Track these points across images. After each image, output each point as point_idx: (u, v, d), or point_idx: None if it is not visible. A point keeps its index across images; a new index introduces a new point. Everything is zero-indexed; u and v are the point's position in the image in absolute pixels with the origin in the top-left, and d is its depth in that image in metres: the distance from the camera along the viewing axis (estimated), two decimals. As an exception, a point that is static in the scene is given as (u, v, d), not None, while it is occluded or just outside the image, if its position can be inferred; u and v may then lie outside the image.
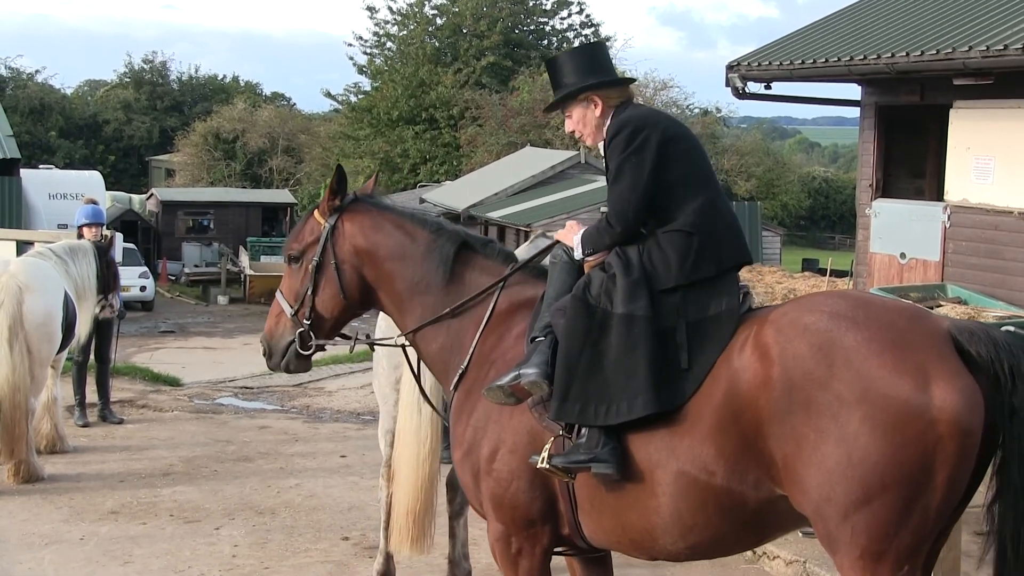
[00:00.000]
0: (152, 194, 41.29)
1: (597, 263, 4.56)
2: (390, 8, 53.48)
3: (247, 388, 15.50)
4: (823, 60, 12.52)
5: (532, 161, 38.34)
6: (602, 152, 4.69)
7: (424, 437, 6.45)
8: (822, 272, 27.92)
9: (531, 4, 52.81)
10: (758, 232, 33.78)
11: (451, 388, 4.87)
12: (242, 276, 36.87)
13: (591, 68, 4.70)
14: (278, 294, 5.17)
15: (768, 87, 13.90)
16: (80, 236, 11.12)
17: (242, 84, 72.87)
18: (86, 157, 60.92)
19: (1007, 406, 3.95)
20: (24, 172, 36.08)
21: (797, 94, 15.28)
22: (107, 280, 10.50)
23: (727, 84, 13.79)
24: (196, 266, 41.53)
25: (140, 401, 12.97)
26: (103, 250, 10.49)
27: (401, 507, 6.59)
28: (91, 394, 11.58)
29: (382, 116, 49.23)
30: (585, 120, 4.71)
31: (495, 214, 31.39)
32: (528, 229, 27.17)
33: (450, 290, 4.92)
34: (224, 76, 73.81)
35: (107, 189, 40.01)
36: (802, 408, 3.97)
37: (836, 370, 3.95)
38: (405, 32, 52.68)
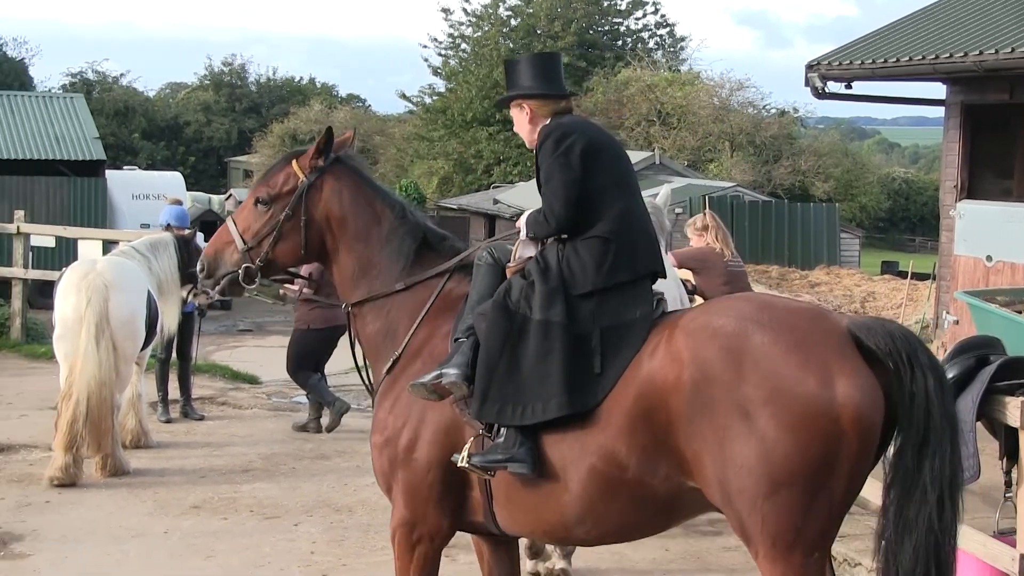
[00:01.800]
0: (231, 195, 41.68)
1: (518, 268, 4.78)
2: (464, 10, 53.60)
3: (325, 386, 15.57)
4: (907, 59, 12.35)
5: (607, 162, 38.21)
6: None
7: None
8: (902, 275, 27.55)
9: (605, 5, 52.68)
10: (836, 234, 33.40)
11: (382, 373, 5.06)
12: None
13: (536, 76, 4.93)
14: (229, 222, 5.29)
15: (849, 86, 13.75)
16: None
17: (318, 86, 73.53)
18: (167, 158, 61.87)
19: (907, 392, 4.18)
20: (109, 173, 36.74)
21: (879, 93, 15.09)
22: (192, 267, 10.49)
23: (806, 84, 13.66)
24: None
25: (220, 398, 13.12)
26: (185, 240, 10.54)
27: None
28: (173, 391, 11.74)
29: (456, 117, 49.37)
30: (519, 123, 4.98)
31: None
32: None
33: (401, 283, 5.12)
34: (301, 78, 74.54)
35: (187, 190, 40.60)
36: (712, 408, 4.19)
37: (744, 372, 4.17)
38: (479, 33, 52.79)
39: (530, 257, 4.79)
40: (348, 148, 5.34)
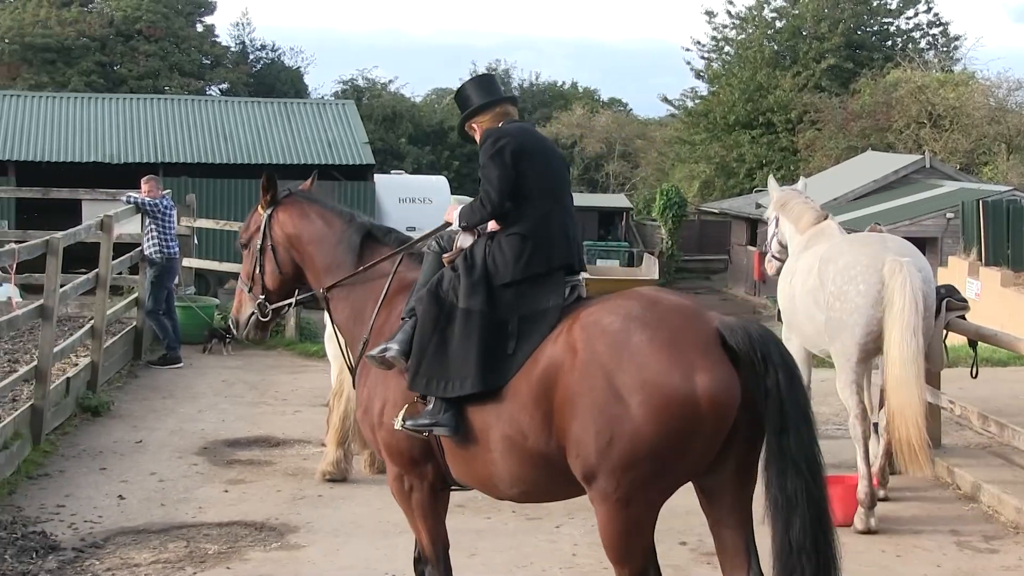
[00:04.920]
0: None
1: (455, 256, 5.56)
2: (728, 12, 52.91)
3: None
4: None
5: (874, 165, 37.06)
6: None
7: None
8: None
9: (875, 4, 50.98)
10: None
11: (357, 353, 5.89)
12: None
13: (478, 95, 5.79)
14: (239, 280, 6.39)
15: None
16: None
17: (580, 90, 74.10)
18: (432, 163, 63.53)
19: (762, 387, 4.86)
20: (377, 177, 38.05)
21: None
22: None
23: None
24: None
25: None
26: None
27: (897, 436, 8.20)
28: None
29: (718, 120, 48.81)
30: (478, 141, 5.74)
31: (835, 219, 30.44)
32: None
33: (355, 274, 5.99)
34: (563, 82, 75.21)
35: (452, 193, 41.62)
36: (594, 390, 4.91)
37: (623, 363, 4.89)
38: (743, 36, 52.02)
39: (463, 250, 5.56)
40: (305, 189, 6.43)
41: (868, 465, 8.61)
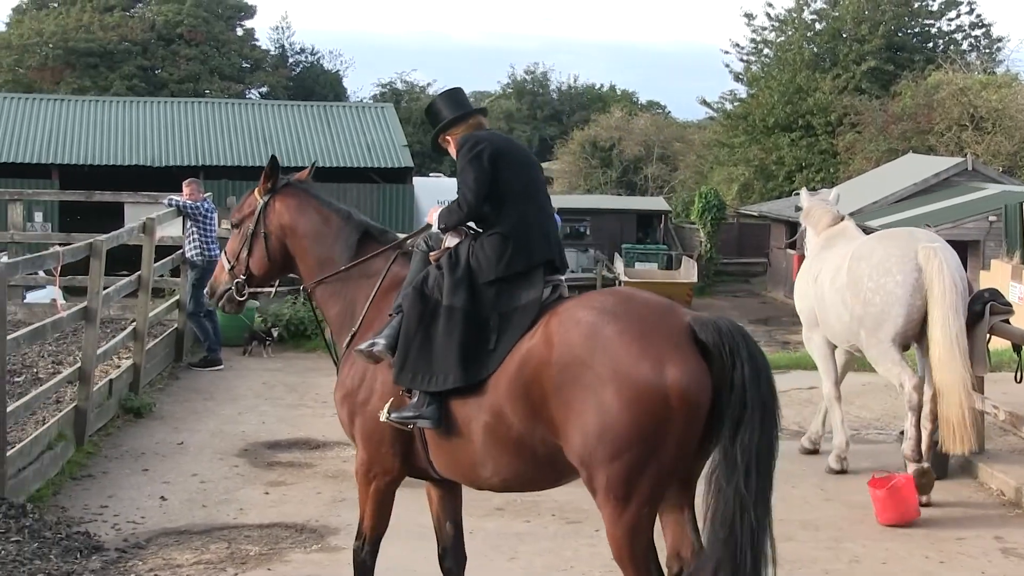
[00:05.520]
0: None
1: (441, 255, 5.76)
2: (768, 14, 52.69)
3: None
4: None
5: (914, 168, 36.77)
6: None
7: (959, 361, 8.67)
8: None
9: (916, 6, 50.61)
10: None
11: (344, 344, 6.10)
12: (617, 282, 37.37)
13: (449, 109, 6.01)
14: (222, 253, 6.57)
15: None
16: None
17: (619, 92, 74.02)
18: (470, 165, 63.61)
19: (729, 379, 5.00)
20: (416, 180, 38.14)
21: None
22: None
23: None
24: (572, 272, 42.39)
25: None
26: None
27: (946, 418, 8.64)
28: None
29: (758, 123, 48.58)
30: (453, 153, 5.97)
31: (875, 222, 30.27)
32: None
33: (350, 268, 6.18)
34: (601, 85, 75.31)
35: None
36: (572, 384, 5.10)
37: (596, 355, 5.05)
38: (783, 38, 51.79)
39: (447, 249, 5.77)
40: (303, 179, 6.55)
41: (918, 430, 9.13)
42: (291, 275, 6.63)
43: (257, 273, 6.44)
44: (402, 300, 5.75)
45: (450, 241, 5.84)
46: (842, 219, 10.42)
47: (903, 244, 9.18)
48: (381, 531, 6.20)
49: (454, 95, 6.16)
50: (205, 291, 6.74)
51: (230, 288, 6.46)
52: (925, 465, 9.04)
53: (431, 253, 5.88)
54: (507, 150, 5.83)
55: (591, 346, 5.08)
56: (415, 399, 5.59)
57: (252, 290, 6.49)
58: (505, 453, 5.45)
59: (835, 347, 10.08)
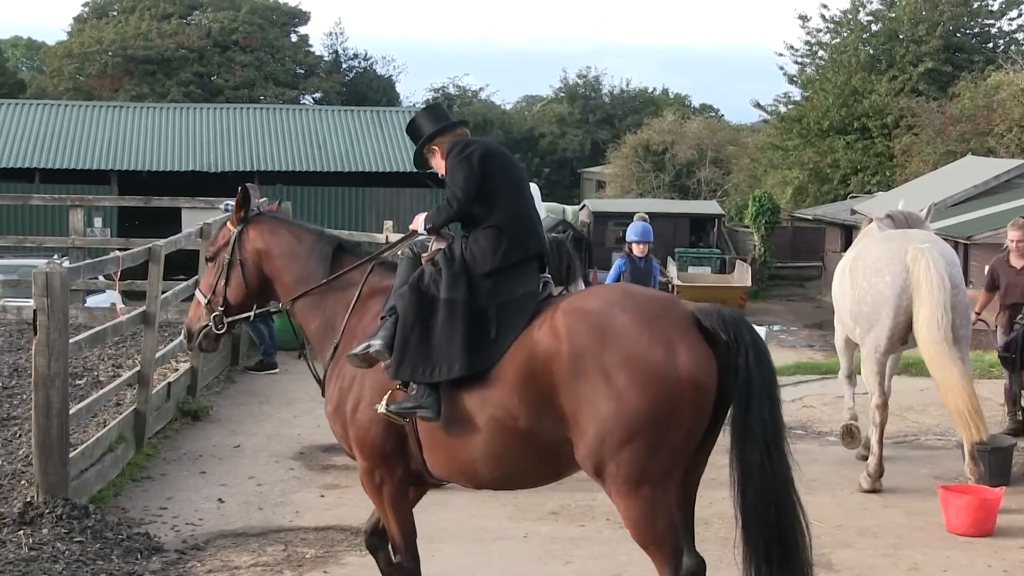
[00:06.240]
0: (584, 205, 42.45)
1: (431, 257, 5.92)
2: (823, 16, 52.25)
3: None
4: None
5: (973, 170, 36.30)
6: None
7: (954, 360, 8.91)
8: None
9: (975, 6, 49.96)
10: None
11: (327, 358, 6.19)
12: (671, 286, 37.21)
13: (432, 122, 6.18)
14: (196, 291, 6.63)
15: None
16: (629, 251, 11.70)
17: (671, 96, 73.74)
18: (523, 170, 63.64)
19: (733, 364, 5.22)
20: (468, 184, 38.08)
21: None
22: (562, 272, 10.63)
23: None
24: (625, 276, 42.09)
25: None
26: (558, 244, 10.64)
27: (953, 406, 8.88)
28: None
29: (812, 126, 48.19)
30: (437, 164, 6.18)
31: (933, 226, 29.92)
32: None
33: (328, 282, 6.28)
34: (654, 89, 74.97)
35: (541, 200, 41.55)
36: (583, 373, 5.25)
37: (607, 344, 5.22)
38: (838, 40, 51.35)
39: (439, 249, 5.92)
40: (274, 211, 6.85)
41: (881, 446, 9.59)
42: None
43: (235, 302, 6.51)
44: (395, 300, 5.87)
45: (437, 245, 6.00)
46: (870, 221, 10.74)
47: (895, 245, 9.48)
48: (411, 534, 6.18)
49: (435, 110, 6.36)
50: (183, 332, 6.79)
51: (207, 325, 6.51)
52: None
53: (422, 255, 6.02)
54: (495, 151, 6.02)
55: (601, 335, 5.24)
56: (414, 392, 5.70)
57: (231, 319, 6.55)
58: (510, 446, 5.55)
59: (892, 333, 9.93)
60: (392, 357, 5.73)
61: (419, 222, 6.11)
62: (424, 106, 6.62)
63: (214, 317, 6.48)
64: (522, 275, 5.78)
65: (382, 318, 5.91)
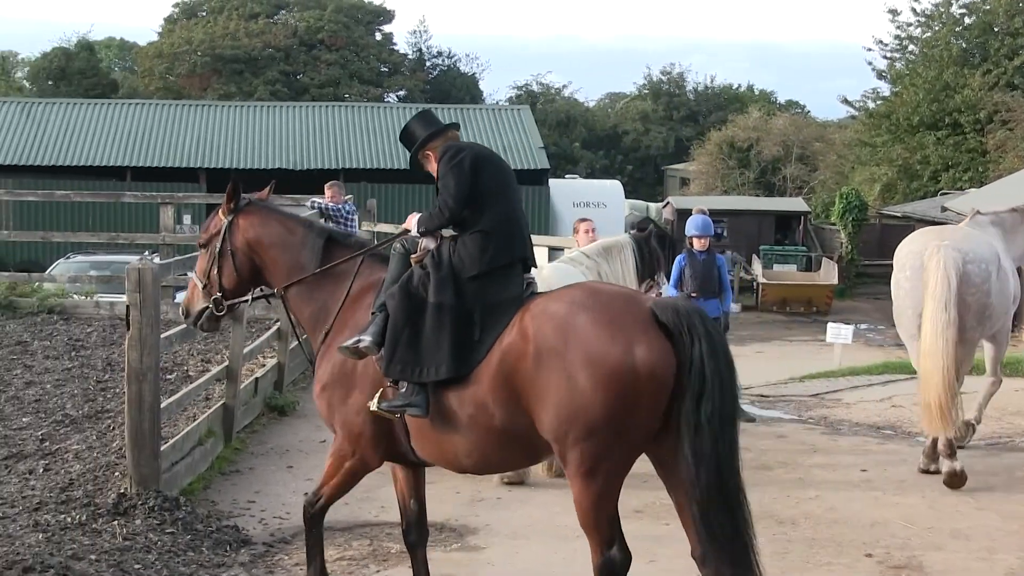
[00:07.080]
0: (668, 202, 42.22)
1: (421, 257, 6.12)
2: (914, 10, 51.30)
3: (763, 396, 15.39)
4: None
5: (1070, 166, 35.46)
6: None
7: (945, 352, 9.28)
8: None
9: (1075, -4, 48.77)
10: None
11: (319, 342, 6.46)
12: (755, 284, 36.89)
13: (424, 127, 6.38)
14: (191, 273, 6.93)
15: None
16: (690, 247, 11.66)
17: (756, 93, 73.05)
18: (606, 167, 63.51)
19: (687, 355, 5.49)
20: (552, 182, 38.22)
21: None
22: (651, 265, 10.56)
23: None
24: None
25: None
26: (645, 241, 10.58)
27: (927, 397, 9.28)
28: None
29: (901, 122, 47.36)
30: (431, 168, 6.36)
31: None
32: None
33: (322, 272, 6.51)
34: (739, 85, 74.35)
35: (625, 197, 41.44)
36: (547, 372, 5.56)
37: (569, 343, 5.53)
38: (929, 34, 50.42)
39: (429, 249, 6.12)
40: (263, 198, 6.94)
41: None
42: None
43: (229, 288, 6.76)
44: (386, 299, 6.10)
45: (428, 243, 6.19)
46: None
47: (920, 242, 9.95)
48: (334, 501, 6.59)
49: (426, 115, 6.56)
50: (180, 311, 7.02)
51: (208, 307, 6.76)
52: (958, 466, 9.48)
53: (412, 256, 6.21)
54: (486, 156, 6.24)
55: (564, 336, 5.55)
56: (404, 389, 5.99)
57: (231, 302, 6.81)
58: (488, 439, 5.89)
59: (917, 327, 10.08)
60: (383, 355, 6.02)
61: (412, 223, 6.30)
62: (416, 113, 6.79)
63: (213, 300, 6.74)
64: (507, 279, 6.03)
65: (372, 313, 6.17)
